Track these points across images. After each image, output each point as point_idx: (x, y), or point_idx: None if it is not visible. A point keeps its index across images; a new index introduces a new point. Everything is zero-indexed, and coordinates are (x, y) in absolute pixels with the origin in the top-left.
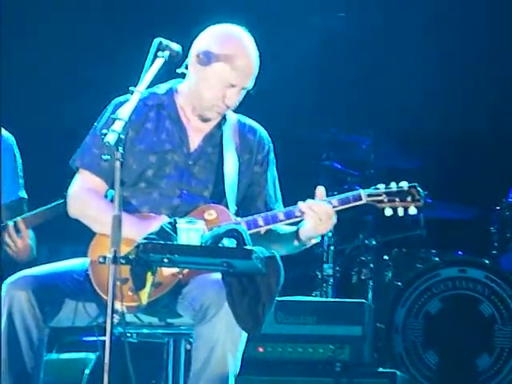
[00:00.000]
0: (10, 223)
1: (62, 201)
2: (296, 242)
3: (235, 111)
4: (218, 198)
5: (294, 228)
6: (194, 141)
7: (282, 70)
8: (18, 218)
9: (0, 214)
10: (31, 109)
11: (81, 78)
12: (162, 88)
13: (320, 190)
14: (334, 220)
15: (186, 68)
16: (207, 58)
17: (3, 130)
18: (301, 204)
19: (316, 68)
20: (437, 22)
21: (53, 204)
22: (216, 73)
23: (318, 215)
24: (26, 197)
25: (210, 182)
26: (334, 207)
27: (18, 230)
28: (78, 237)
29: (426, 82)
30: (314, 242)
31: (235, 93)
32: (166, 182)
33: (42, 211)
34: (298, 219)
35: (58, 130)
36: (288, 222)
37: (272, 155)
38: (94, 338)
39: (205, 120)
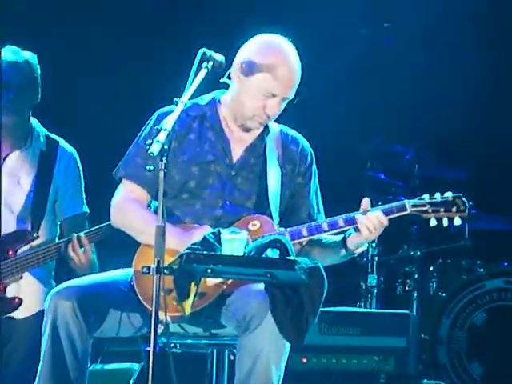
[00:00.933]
0: (74, 236)
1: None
2: (343, 251)
3: (278, 121)
4: (261, 208)
5: (339, 237)
6: (237, 152)
7: (327, 79)
8: (82, 234)
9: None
10: (86, 122)
11: (128, 89)
12: (204, 99)
13: (365, 201)
14: (383, 228)
15: (229, 78)
16: (249, 68)
17: (65, 142)
18: (357, 214)
19: (360, 78)
20: (476, 34)
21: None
22: (258, 82)
23: (372, 223)
24: (88, 211)
25: (252, 192)
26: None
27: (81, 245)
28: (122, 247)
29: (470, 93)
30: (360, 250)
31: (276, 103)
32: (208, 192)
33: (105, 227)
34: (342, 229)
35: (111, 142)
36: (332, 232)
37: (314, 166)
38: (139, 348)
39: (246, 130)
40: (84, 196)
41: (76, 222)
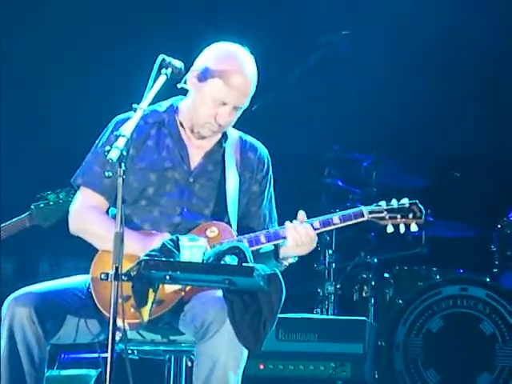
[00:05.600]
0: None
1: (27, 214)
2: (273, 261)
3: (238, 128)
4: (219, 215)
5: (272, 246)
6: (195, 158)
7: (286, 86)
8: None
9: None
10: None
11: (81, 95)
12: (162, 105)
13: (301, 215)
14: (315, 243)
15: (185, 83)
16: (203, 74)
17: None
18: (287, 224)
19: (319, 85)
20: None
21: (17, 218)
22: (210, 89)
23: (300, 236)
24: None
25: (210, 200)
26: (315, 229)
27: None
28: (80, 252)
29: (428, 101)
30: (290, 261)
31: (227, 111)
32: (166, 199)
33: (7, 225)
34: None
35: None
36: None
37: (270, 174)
38: (96, 355)
39: (201, 138)
40: None
41: None
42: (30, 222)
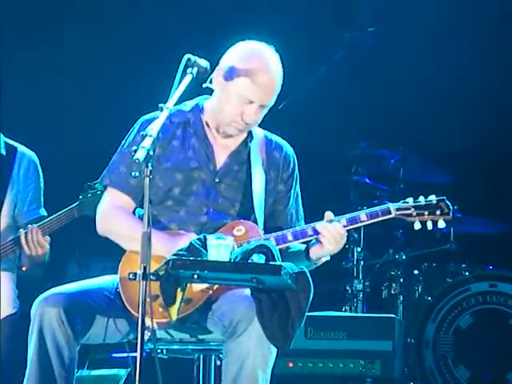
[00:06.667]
0: (29, 227)
1: (76, 204)
2: (305, 261)
3: (263, 126)
4: (245, 215)
5: (303, 246)
6: (220, 158)
7: (312, 84)
8: (35, 225)
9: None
10: (53, 128)
11: (107, 96)
12: (188, 105)
13: (328, 214)
14: (344, 241)
15: (211, 83)
16: (230, 73)
17: (24, 147)
18: (317, 224)
19: (346, 82)
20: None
21: (66, 209)
22: (236, 87)
23: (331, 235)
24: (46, 215)
25: (236, 199)
26: (344, 227)
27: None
28: (108, 253)
29: (458, 97)
30: (324, 260)
31: (254, 110)
32: (192, 199)
33: (56, 217)
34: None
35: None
36: (316, 237)
37: (296, 173)
38: (125, 355)
39: (227, 136)
40: (42, 200)
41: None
42: (79, 213)
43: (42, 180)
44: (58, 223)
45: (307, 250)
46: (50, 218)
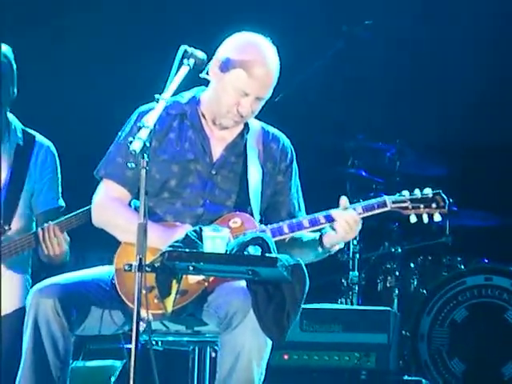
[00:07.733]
0: (46, 225)
1: None
2: (320, 249)
3: (260, 118)
4: (242, 207)
5: (316, 235)
6: (217, 150)
7: (308, 76)
8: (52, 223)
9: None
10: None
11: (105, 85)
12: (185, 97)
13: (344, 200)
14: (359, 227)
15: (208, 74)
16: (226, 64)
17: (42, 136)
18: (333, 212)
19: (342, 74)
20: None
21: (86, 208)
22: (232, 79)
23: (347, 223)
24: (63, 205)
25: (233, 191)
26: (359, 214)
27: (54, 234)
28: (104, 244)
29: (452, 91)
30: (337, 248)
31: (249, 102)
32: (189, 191)
33: (75, 215)
34: (323, 226)
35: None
36: (313, 229)
37: (295, 164)
38: (120, 346)
39: (223, 128)
40: (60, 190)
41: (51, 217)
42: None
43: (59, 171)
44: (77, 222)
45: (321, 238)
46: (68, 216)
